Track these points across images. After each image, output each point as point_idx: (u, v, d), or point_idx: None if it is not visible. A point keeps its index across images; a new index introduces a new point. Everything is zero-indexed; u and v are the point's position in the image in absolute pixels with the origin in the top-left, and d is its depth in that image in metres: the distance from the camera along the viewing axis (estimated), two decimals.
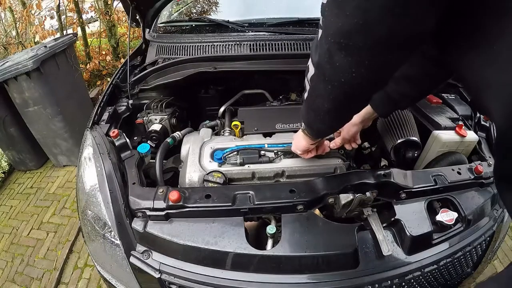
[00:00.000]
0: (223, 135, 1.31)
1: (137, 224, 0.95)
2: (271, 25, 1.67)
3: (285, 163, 1.11)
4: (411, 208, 0.97)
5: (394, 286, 0.91)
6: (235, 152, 1.12)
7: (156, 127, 1.41)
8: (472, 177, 1.07)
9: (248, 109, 1.38)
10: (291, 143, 1.15)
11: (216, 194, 0.95)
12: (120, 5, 2.58)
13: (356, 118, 1.06)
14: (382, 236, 0.90)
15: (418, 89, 0.95)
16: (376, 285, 0.89)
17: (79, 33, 4.42)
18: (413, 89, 0.94)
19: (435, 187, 1.01)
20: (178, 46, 1.60)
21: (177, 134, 1.33)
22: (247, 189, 0.97)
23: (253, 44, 1.51)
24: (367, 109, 1.04)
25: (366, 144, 1.38)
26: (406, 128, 1.19)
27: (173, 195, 0.91)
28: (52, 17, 4.54)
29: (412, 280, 0.93)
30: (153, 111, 1.46)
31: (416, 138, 1.17)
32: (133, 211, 0.97)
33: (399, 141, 1.18)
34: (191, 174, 1.09)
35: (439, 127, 1.22)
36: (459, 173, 1.07)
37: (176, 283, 0.91)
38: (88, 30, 5.05)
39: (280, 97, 1.59)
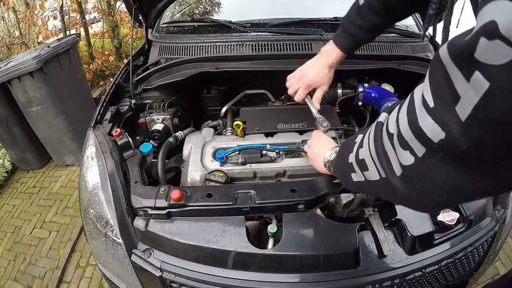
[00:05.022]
0: (225, 134, 1.31)
1: (139, 223, 0.96)
2: (273, 26, 1.67)
3: (287, 163, 1.11)
4: None
5: (395, 286, 0.91)
6: (237, 152, 1.12)
7: (159, 126, 1.41)
8: None
9: (250, 109, 1.38)
10: (292, 143, 1.15)
11: (217, 193, 0.95)
12: (123, 5, 2.60)
13: (323, 64, 1.12)
14: (383, 236, 0.90)
15: (383, 31, 1.13)
16: (377, 285, 0.89)
17: (82, 33, 4.43)
18: (380, 33, 1.11)
19: None
20: (180, 46, 1.61)
21: (179, 133, 1.33)
22: (249, 188, 0.97)
23: (255, 45, 1.52)
24: (334, 52, 1.11)
25: None
26: None
27: (175, 194, 0.91)
28: (55, 18, 4.56)
29: (413, 280, 0.93)
30: (156, 110, 1.47)
31: None
32: (135, 210, 0.97)
33: None
34: (193, 173, 1.09)
35: None
36: None
37: (177, 282, 0.92)
38: (91, 31, 5.07)
39: (282, 97, 1.59)
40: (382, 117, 0.57)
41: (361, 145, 0.61)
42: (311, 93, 1.15)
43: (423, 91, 0.42)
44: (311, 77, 1.11)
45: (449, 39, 0.39)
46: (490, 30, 0.31)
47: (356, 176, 0.64)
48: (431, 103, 0.40)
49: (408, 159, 0.45)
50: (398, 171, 0.49)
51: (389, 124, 0.51)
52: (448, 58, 0.37)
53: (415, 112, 0.43)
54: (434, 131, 0.40)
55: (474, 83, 0.33)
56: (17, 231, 2.45)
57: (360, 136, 0.65)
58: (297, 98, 1.15)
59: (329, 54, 1.11)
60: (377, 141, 0.53)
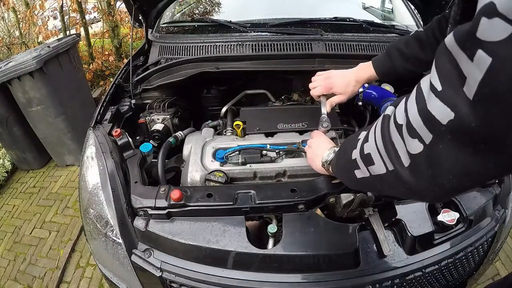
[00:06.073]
0: (225, 134, 1.31)
1: (139, 223, 0.96)
2: (273, 26, 1.67)
3: (287, 163, 1.11)
4: (413, 208, 0.97)
5: (395, 286, 0.91)
6: (237, 152, 1.12)
7: (159, 126, 1.41)
8: None
9: (250, 109, 1.38)
10: (292, 143, 1.16)
11: (217, 193, 0.95)
12: (123, 5, 2.60)
13: (352, 76, 1.11)
14: (383, 236, 0.90)
15: (423, 69, 1.06)
16: (377, 285, 0.89)
17: (82, 33, 4.43)
18: (419, 69, 1.05)
19: None
20: (180, 46, 1.61)
21: (179, 133, 1.33)
22: (249, 188, 0.97)
23: (255, 45, 1.52)
24: (368, 70, 1.10)
25: None
26: None
27: (175, 194, 0.91)
28: (55, 18, 4.56)
29: (413, 280, 0.93)
30: (156, 110, 1.47)
31: None
32: (135, 210, 0.97)
33: None
34: (193, 174, 1.09)
35: None
36: None
37: (177, 282, 0.92)
38: (91, 31, 5.07)
39: (282, 97, 1.59)
40: (389, 110, 0.57)
41: (366, 140, 0.61)
42: (329, 96, 1.15)
43: (430, 78, 0.44)
44: (334, 81, 1.11)
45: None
46: (489, 10, 0.33)
47: (360, 173, 0.64)
48: (439, 87, 0.41)
49: (416, 147, 0.46)
50: (406, 161, 0.49)
51: (397, 115, 0.51)
52: (453, 43, 0.39)
53: (424, 99, 0.44)
54: (443, 112, 0.41)
55: (478, 61, 0.35)
56: (17, 231, 2.45)
57: (363, 133, 0.65)
58: (313, 92, 1.15)
59: (363, 69, 1.11)
60: (385, 133, 0.54)
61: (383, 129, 0.55)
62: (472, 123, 0.38)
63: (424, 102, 0.44)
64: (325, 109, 1.11)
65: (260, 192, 0.95)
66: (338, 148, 0.85)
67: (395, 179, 0.53)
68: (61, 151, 2.95)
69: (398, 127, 0.50)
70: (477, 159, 0.41)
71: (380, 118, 0.59)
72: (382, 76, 1.10)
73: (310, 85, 1.16)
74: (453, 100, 0.39)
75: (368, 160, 0.60)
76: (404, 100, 0.51)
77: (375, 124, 0.60)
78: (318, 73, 1.18)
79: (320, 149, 0.92)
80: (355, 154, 0.65)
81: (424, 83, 0.46)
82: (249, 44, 1.52)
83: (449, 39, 0.40)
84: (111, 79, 3.35)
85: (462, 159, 0.42)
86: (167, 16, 2.04)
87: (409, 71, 1.06)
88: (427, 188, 0.49)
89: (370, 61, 1.11)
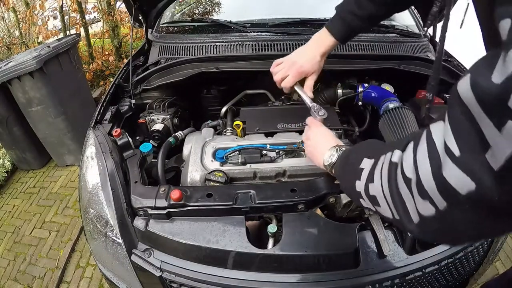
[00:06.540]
0: (225, 134, 1.31)
1: (139, 223, 0.96)
2: (273, 26, 1.67)
3: (287, 163, 1.11)
4: None
5: (395, 286, 0.91)
6: (237, 152, 1.12)
7: (158, 126, 1.41)
8: None
9: (250, 109, 1.38)
10: (292, 143, 1.15)
11: (217, 193, 0.95)
12: (123, 5, 2.60)
13: (316, 52, 1.07)
14: (383, 236, 0.90)
15: (382, 20, 1.08)
16: (377, 285, 0.89)
17: (82, 33, 4.44)
18: (378, 23, 1.08)
19: None
20: (180, 46, 1.61)
21: (179, 133, 1.33)
22: (249, 188, 0.97)
23: (255, 45, 1.52)
24: (327, 40, 1.06)
25: None
26: (408, 128, 1.19)
27: (175, 193, 0.91)
28: (55, 18, 4.56)
29: (413, 280, 0.93)
30: (156, 110, 1.47)
31: None
32: (135, 210, 0.97)
33: None
34: (193, 173, 1.09)
35: None
36: None
37: (177, 282, 0.92)
38: (91, 31, 5.07)
39: (282, 97, 1.59)
40: (396, 156, 0.50)
41: (371, 180, 0.56)
42: (300, 82, 1.10)
43: (444, 136, 0.39)
44: (302, 64, 1.05)
45: (469, 69, 0.35)
46: None
47: (365, 203, 0.60)
48: (456, 151, 0.37)
49: (427, 209, 0.42)
50: (415, 219, 0.45)
51: (405, 167, 0.46)
52: (473, 101, 0.34)
53: (438, 160, 0.39)
54: (462, 182, 0.36)
55: (508, 134, 0.31)
56: (17, 231, 2.45)
57: (366, 163, 0.59)
58: (285, 84, 1.09)
59: (322, 41, 1.06)
60: (392, 184, 0.49)
61: (390, 176, 0.49)
62: (496, 196, 0.34)
63: (439, 165, 0.39)
64: (308, 97, 1.05)
65: (260, 192, 0.95)
66: (340, 153, 0.81)
67: (401, 225, 0.50)
68: (61, 151, 2.95)
69: (407, 180, 0.45)
70: (496, 223, 0.38)
71: (386, 161, 0.52)
72: (342, 40, 1.06)
73: (276, 78, 1.10)
74: (473, 168, 0.35)
75: (373, 200, 0.56)
76: (411, 147, 0.45)
77: (380, 165, 0.54)
78: (276, 61, 1.13)
79: (320, 143, 0.89)
80: (359, 186, 0.60)
81: (437, 137, 0.40)
82: (249, 44, 1.52)
83: (466, 92, 0.34)
84: (111, 79, 3.35)
85: (479, 224, 0.39)
86: (167, 16, 2.04)
87: (367, 28, 1.09)
88: (434, 238, 0.47)
89: (325, 30, 1.06)
